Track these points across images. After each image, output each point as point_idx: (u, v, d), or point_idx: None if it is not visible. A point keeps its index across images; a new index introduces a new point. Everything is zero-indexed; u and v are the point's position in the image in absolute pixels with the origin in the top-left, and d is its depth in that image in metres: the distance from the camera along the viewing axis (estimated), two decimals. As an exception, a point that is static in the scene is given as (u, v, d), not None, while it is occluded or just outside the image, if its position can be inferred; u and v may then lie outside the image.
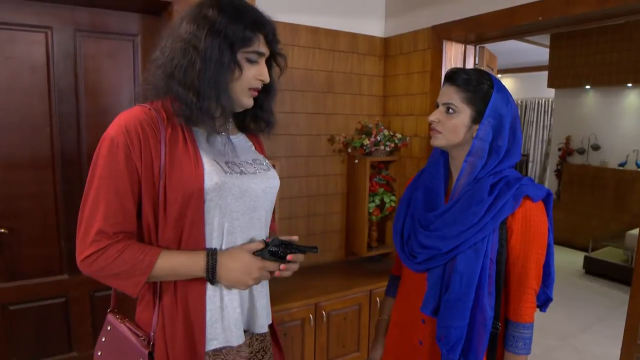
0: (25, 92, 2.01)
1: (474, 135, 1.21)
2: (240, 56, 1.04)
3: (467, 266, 1.15)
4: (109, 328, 1.13)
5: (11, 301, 2.07)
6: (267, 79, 1.10)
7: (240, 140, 1.22)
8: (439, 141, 1.24)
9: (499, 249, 1.17)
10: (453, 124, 1.21)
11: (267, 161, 1.25)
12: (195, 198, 1.01)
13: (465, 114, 1.20)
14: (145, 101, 1.08)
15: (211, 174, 1.03)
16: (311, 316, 2.40)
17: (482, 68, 2.71)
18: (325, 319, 2.46)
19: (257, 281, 1.07)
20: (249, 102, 1.11)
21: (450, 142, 1.23)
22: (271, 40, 1.09)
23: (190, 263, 1.02)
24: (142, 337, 1.07)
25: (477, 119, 1.20)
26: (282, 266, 1.08)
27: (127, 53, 2.22)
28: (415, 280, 1.31)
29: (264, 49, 1.07)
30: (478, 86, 1.19)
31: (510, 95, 1.23)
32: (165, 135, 1.02)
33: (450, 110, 1.21)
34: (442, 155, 1.31)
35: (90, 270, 0.99)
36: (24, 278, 2.09)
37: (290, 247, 1.10)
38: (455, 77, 1.21)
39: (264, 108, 1.20)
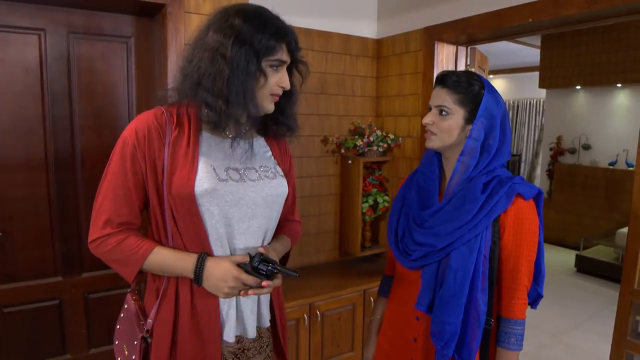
0: (18, 95, 2.01)
1: (467, 135, 1.23)
2: (264, 64, 1.08)
3: (461, 263, 1.17)
4: (125, 306, 1.22)
5: (5, 303, 2.06)
6: (288, 86, 1.15)
7: (257, 144, 1.25)
8: (433, 143, 1.27)
9: (491, 246, 1.20)
10: (447, 126, 1.23)
11: (278, 168, 1.26)
12: (188, 201, 1.06)
13: (458, 115, 1.23)
14: (164, 103, 1.15)
15: (202, 179, 1.07)
16: (305, 316, 2.41)
17: (473, 69, 2.74)
18: (319, 318, 2.47)
19: (232, 291, 1.08)
20: (270, 107, 1.15)
21: (445, 144, 1.25)
22: (293, 49, 1.14)
23: (180, 264, 1.09)
24: (142, 321, 1.15)
25: (469, 119, 1.23)
26: (264, 283, 1.10)
27: (121, 55, 2.22)
28: (409, 278, 1.33)
29: (286, 57, 1.12)
30: (469, 88, 1.22)
31: (500, 95, 1.26)
32: (171, 137, 1.09)
33: (444, 112, 1.24)
34: (436, 156, 1.34)
35: (96, 253, 1.10)
36: (18, 280, 2.08)
37: (271, 265, 1.10)
38: (446, 79, 1.24)
39: (285, 113, 1.25)
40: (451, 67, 2.67)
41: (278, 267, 1.11)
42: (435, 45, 2.58)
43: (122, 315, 1.23)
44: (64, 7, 2.05)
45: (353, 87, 2.93)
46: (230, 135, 1.14)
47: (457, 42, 2.64)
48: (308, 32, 2.70)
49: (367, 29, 2.96)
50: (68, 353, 2.23)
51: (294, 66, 1.20)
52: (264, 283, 1.09)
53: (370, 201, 2.86)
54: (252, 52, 1.04)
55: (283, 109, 1.23)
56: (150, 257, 1.08)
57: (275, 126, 1.27)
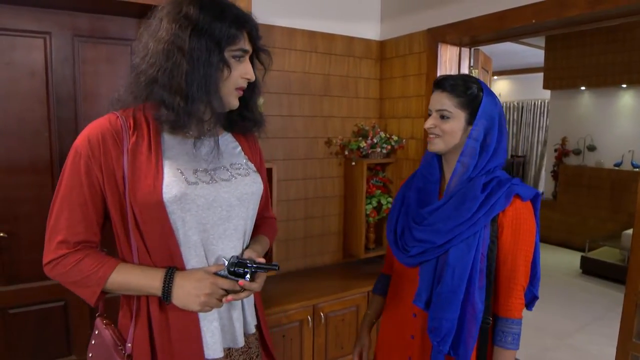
0: (24, 97, 2.02)
1: (468, 136, 1.25)
2: (227, 55, 1.01)
3: (459, 259, 1.20)
4: (96, 332, 1.13)
5: (10, 305, 2.07)
6: (252, 77, 1.08)
7: (224, 141, 1.19)
8: (437, 146, 1.28)
9: (489, 245, 1.22)
10: (450, 128, 1.25)
11: (249, 164, 1.20)
12: (156, 210, 0.99)
13: (460, 117, 1.25)
14: (120, 107, 1.06)
15: (170, 185, 1.00)
16: (309, 318, 2.42)
17: (476, 70, 2.74)
18: (323, 320, 2.47)
19: (209, 299, 1.01)
20: (235, 102, 1.09)
21: (448, 146, 1.27)
22: (254, 37, 1.07)
23: (146, 280, 1.00)
24: (120, 346, 1.07)
25: (470, 121, 1.25)
26: (240, 282, 1.03)
27: (125, 58, 2.23)
28: (407, 276, 1.35)
29: (248, 46, 1.06)
30: (467, 90, 1.25)
31: (496, 95, 1.30)
32: (129, 144, 1.00)
33: (445, 116, 1.25)
34: (436, 158, 1.36)
35: (51, 275, 1.02)
36: (23, 281, 2.10)
37: (248, 265, 1.05)
38: (445, 83, 1.26)
39: (250, 107, 1.17)
40: (455, 69, 2.67)
41: (255, 265, 1.05)
42: (439, 46, 2.58)
43: (92, 342, 1.13)
44: (70, 10, 2.06)
45: (356, 88, 2.94)
46: (193, 135, 1.05)
47: (460, 44, 2.64)
48: (312, 34, 2.71)
49: (371, 30, 2.96)
50: (73, 354, 2.24)
51: (255, 56, 1.12)
52: (240, 282, 1.03)
53: (374, 203, 2.86)
54: (213, 42, 0.97)
55: (247, 103, 1.15)
56: (113, 276, 0.99)
57: (242, 121, 1.19)
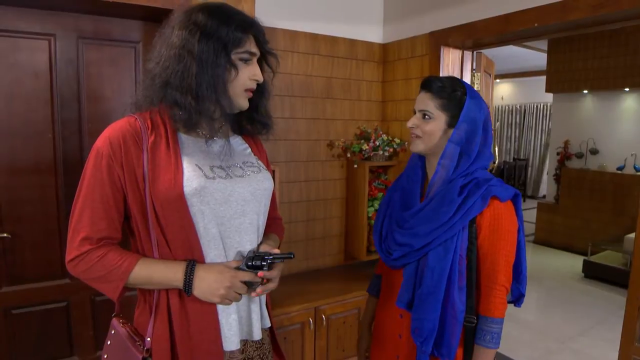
0: (28, 99, 2.03)
1: (449, 139, 1.28)
2: (234, 57, 1.07)
3: (437, 262, 1.22)
4: (112, 332, 1.16)
5: (13, 305, 2.08)
6: (260, 79, 1.13)
7: (235, 142, 1.24)
8: (418, 147, 1.32)
9: (469, 246, 1.24)
10: (430, 129, 1.28)
11: (260, 163, 1.25)
12: (177, 204, 1.03)
13: (440, 119, 1.27)
14: (136, 110, 1.12)
15: (191, 179, 1.05)
16: (311, 320, 2.42)
17: (479, 73, 2.74)
18: (324, 322, 2.47)
19: (229, 292, 1.06)
20: (244, 104, 1.14)
21: (428, 146, 1.30)
22: (261, 41, 1.13)
23: (168, 273, 1.04)
24: (138, 342, 1.10)
25: (452, 123, 1.27)
26: (259, 273, 1.09)
27: (129, 59, 2.25)
28: (394, 277, 1.38)
29: (255, 49, 1.11)
30: (452, 93, 1.26)
31: (483, 101, 1.30)
32: (148, 143, 1.06)
33: (427, 116, 1.28)
34: (420, 159, 1.39)
35: (75, 272, 1.06)
36: (26, 282, 2.10)
37: (265, 257, 1.11)
38: (430, 85, 1.28)
39: (259, 110, 1.22)
40: (457, 72, 2.68)
41: (271, 257, 1.11)
42: (441, 49, 2.59)
43: (108, 342, 1.16)
44: (74, 12, 2.07)
45: (359, 91, 2.94)
46: (204, 134, 1.12)
47: (463, 47, 2.65)
48: (314, 36, 2.71)
49: (373, 33, 2.97)
50: (75, 355, 2.24)
51: (263, 60, 1.18)
52: (260, 274, 1.09)
53: (376, 205, 2.86)
54: (220, 45, 1.03)
55: (257, 106, 1.21)
56: (136, 270, 1.03)
57: (251, 124, 1.25)
